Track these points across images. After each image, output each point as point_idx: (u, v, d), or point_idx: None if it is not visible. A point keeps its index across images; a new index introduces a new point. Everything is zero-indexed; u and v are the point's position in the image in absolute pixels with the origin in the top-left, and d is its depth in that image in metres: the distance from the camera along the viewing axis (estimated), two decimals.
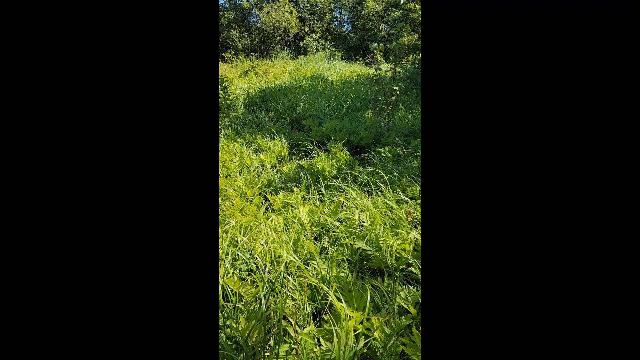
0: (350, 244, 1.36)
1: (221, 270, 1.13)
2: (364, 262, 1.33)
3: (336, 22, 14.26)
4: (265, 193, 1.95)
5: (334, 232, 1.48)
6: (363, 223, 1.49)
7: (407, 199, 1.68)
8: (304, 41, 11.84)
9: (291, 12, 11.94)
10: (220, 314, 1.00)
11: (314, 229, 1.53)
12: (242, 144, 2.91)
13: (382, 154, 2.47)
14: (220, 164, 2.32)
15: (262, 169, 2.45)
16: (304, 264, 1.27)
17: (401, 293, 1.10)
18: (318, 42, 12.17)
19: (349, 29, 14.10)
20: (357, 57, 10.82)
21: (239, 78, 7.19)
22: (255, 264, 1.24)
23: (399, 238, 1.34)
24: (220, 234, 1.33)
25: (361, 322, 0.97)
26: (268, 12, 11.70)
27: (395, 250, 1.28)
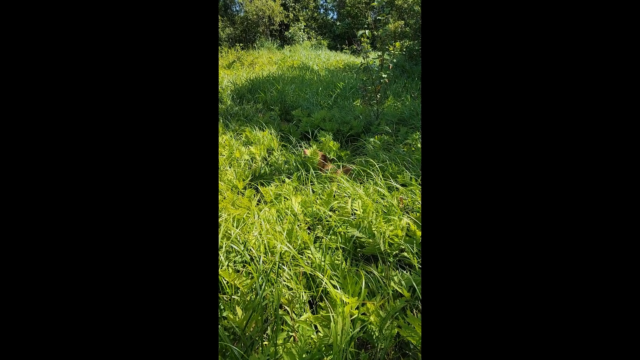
0: (344, 232, 1.37)
1: None
2: (358, 249, 1.35)
3: (321, 10, 14.01)
4: (257, 185, 1.94)
5: (327, 221, 1.49)
6: (356, 211, 1.50)
7: (398, 185, 1.70)
8: (290, 30, 11.61)
9: (275, 0, 11.66)
10: None
11: (307, 219, 1.53)
12: (231, 136, 2.86)
13: (373, 143, 2.48)
14: None
15: (252, 161, 2.43)
16: (298, 253, 1.28)
17: (395, 278, 1.12)
18: (303, 31, 11.95)
19: (335, 17, 13.88)
20: (344, 45, 10.69)
21: (224, 70, 7.03)
22: (249, 255, 1.24)
23: (392, 224, 1.36)
24: None
25: (357, 308, 0.98)
26: (251, 0, 11.39)
27: (388, 237, 1.30)
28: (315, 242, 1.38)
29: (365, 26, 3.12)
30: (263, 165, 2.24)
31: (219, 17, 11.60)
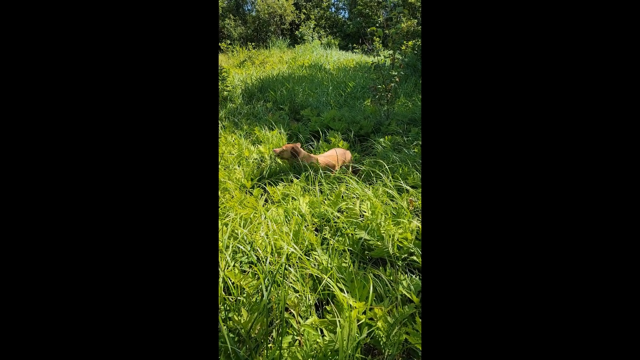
0: (352, 234, 1.34)
1: (222, 263, 1.12)
2: (366, 252, 1.32)
3: (333, 9, 13.97)
4: (265, 185, 1.94)
5: (335, 222, 1.47)
6: (364, 213, 1.47)
7: (408, 187, 1.66)
8: (300, 29, 11.61)
9: None
10: (221, 307, 1.00)
11: (315, 220, 1.52)
12: (240, 135, 2.87)
13: (382, 143, 2.44)
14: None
15: (261, 160, 2.43)
16: (305, 255, 1.26)
17: (403, 282, 1.09)
18: (314, 30, 11.93)
19: (346, 16, 13.81)
20: (355, 44, 10.62)
21: (235, 69, 7.07)
22: (256, 256, 1.23)
23: (401, 227, 1.33)
24: (220, 226, 1.32)
25: (364, 312, 0.96)
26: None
27: (397, 240, 1.27)
28: (322, 244, 1.36)
29: (377, 25, 3.08)
30: (272, 164, 2.23)
31: (231, 17, 11.69)
